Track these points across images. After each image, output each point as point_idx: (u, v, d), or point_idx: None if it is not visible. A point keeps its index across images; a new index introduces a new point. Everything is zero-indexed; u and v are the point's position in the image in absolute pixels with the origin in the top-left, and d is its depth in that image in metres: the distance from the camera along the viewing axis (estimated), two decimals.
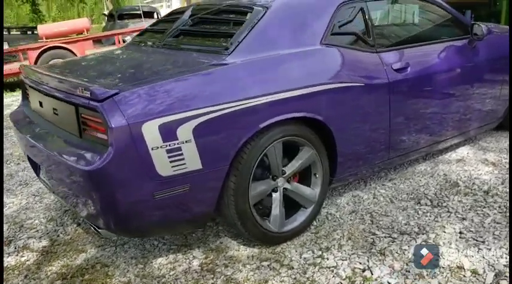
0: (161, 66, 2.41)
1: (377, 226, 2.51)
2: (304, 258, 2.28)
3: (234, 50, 2.30)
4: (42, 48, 8.14)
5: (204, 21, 2.72)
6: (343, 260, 2.24)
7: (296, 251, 2.34)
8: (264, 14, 2.44)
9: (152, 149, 1.90)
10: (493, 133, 3.82)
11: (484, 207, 2.63)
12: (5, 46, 10.49)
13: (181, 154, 1.97)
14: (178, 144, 1.96)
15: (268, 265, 2.25)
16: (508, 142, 3.62)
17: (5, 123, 4.92)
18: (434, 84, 2.92)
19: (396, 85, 2.69)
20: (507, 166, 3.17)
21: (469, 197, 2.76)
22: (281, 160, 2.33)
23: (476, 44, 3.18)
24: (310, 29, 2.50)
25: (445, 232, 2.41)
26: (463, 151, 3.51)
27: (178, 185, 2.02)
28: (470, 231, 2.39)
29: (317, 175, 2.49)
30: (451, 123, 3.19)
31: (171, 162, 1.96)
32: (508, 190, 2.82)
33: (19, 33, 11.79)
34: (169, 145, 1.94)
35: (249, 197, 2.22)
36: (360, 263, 2.21)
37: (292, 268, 2.21)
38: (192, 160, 2.01)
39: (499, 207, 2.61)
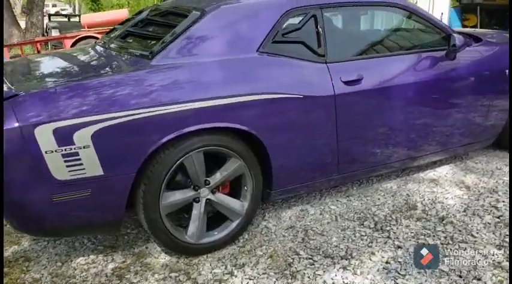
0: (88, 69, 2.41)
1: (305, 246, 2.39)
2: (214, 273, 2.21)
3: (157, 54, 2.25)
4: (76, 38, 8.49)
5: (149, 23, 2.69)
6: (250, 279, 2.15)
7: (210, 265, 2.28)
8: (198, 19, 2.36)
9: (46, 153, 1.91)
10: (489, 153, 3.53)
11: (429, 236, 2.42)
12: (57, 33, 11.08)
13: (79, 159, 1.97)
14: (75, 149, 1.95)
15: (175, 277, 2.20)
16: (496, 165, 3.32)
17: None
18: (396, 98, 2.72)
19: (344, 98, 2.53)
20: (482, 191, 2.91)
21: (419, 223, 2.56)
22: (203, 170, 2.26)
23: (458, 56, 2.90)
24: (247, 37, 2.39)
25: (371, 259, 2.25)
26: (443, 170, 3.25)
27: (78, 190, 2.02)
28: (398, 262, 2.21)
29: (246, 188, 2.40)
30: (424, 140, 2.96)
31: (67, 166, 1.96)
32: (465, 219, 2.58)
33: (67, 20, 12.38)
34: (65, 150, 1.93)
35: (159, 206, 2.18)
36: None
37: (196, 282, 2.15)
38: (91, 166, 1.99)
39: (445, 238, 2.40)
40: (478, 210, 2.67)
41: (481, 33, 3.80)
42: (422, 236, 2.42)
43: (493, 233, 2.41)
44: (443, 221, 2.56)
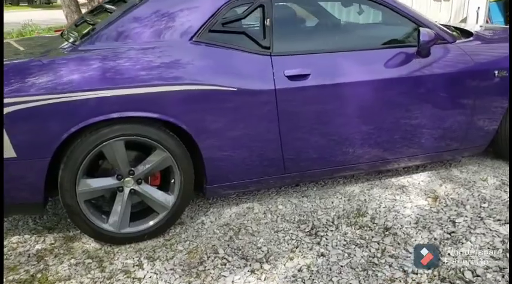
0: (25, 53, 2.46)
1: (228, 245, 2.31)
2: (124, 264, 2.20)
3: (85, 40, 2.25)
4: None
5: (101, 10, 2.70)
6: (155, 274, 2.12)
7: (126, 256, 2.27)
8: (135, 5, 2.34)
9: None
10: (484, 162, 3.24)
11: (360, 246, 2.24)
12: None
13: None
14: None
15: (88, 264, 2.22)
16: (483, 176, 3.02)
17: None
18: (351, 97, 2.53)
19: (287, 94, 2.39)
20: (449, 203, 2.65)
21: (359, 231, 2.38)
22: (125, 159, 2.25)
23: (434, 53, 2.65)
24: (182, 25, 2.34)
25: (285, 265, 2.13)
26: (420, 177, 3.00)
27: None
28: (311, 271, 2.07)
29: (174, 181, 2.35)
30: (394, 143, 2.75)
31: None
32: (411, 232, 2.36)
33: None
34: None
35: (76, 192, 2.19)
36: (165, 281, 2.05)
37: (104, 271, 2.15)
38: (4, 148, 2.04)
39: (376, 250, 2.21)
40: (431, 223, 2.43)
41: (486, 29, 3.45)
42: (353, 246, 2.25)
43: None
44: (386, 232, 2.36)
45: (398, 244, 2.25)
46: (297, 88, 2.40)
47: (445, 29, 2.87)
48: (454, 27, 3.35)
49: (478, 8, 5.57)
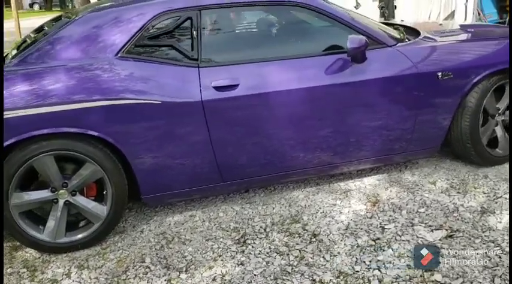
0: None
1: (156, 254, 2.39)
2: (54, 273, 2.31)
3: (14, 58, 2.37)
4: None
5: (41, 29, 2.80)
6: (78, 283, 2.21)
7: (59, 265, 2.38)
8: (64, 25, 2.43)
9: None
10: (441, 163, 3.20)
11: (281, 254, 2.28)
12: None
13: None
14: None
15: (22, 273, 2.34)
16: (434, 179, 2.98)
17: None
18: (283, 105, 2.55)
19: (215, 105, 2.44)
20: (386, 208, 2.64)
21: (287, 238, 2.42)
22: (56, 173, 2.35)
23: (371, 58, 2.64)
24: (108, 41, 2.41)
25: (202, 274, 2.19)
26: (369, 180, 3.00)
27: None
28: (224, 281, 2.13)
29: (106, 192, 2.45)
30: (338, 148, 2.77)
31: None
32: (337, 238, 2.38)
33: None
34: None
35: (9, 205, 2.31)
36: None
37: (33, 280, 2.27)
38: None
39: (295, 257, 2.24)
40: (360, 229, 2.43)
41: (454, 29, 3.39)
42: (275, 254, 2.28)
43: (351, 257, 2.20)
44: (312, 239, 2.38)
45: (320, 251, 2.27)
46: (225, 98, 2.44)
47: (386, 32, 2.84)
48: (407, 27, 3.30)
49: (467, 1, 5.42)
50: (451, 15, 5.59)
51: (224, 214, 2.73)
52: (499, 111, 3.01)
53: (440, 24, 4.27)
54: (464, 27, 3.39)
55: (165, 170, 2.51)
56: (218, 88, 2.43)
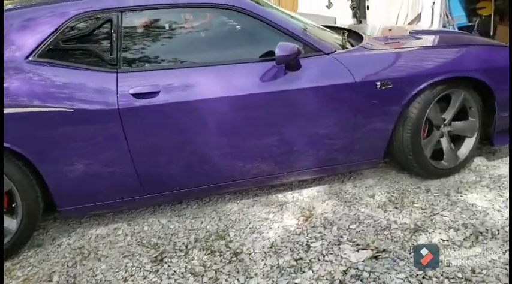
0: None
1: (67, 272, 2.25)
2: None
3: None
4: None
5: None
6: None
7: None
8: None
9: None
10: (387, 175, 3.08)
11: (196, 276, 2.15)
12: None
13: None
14: None
15: None
16: (373, 191, 2.88)
17: None
18: (210, 113, 2.41)
19: (132, 113, 2.30)
20: (319, 223, 2.52)
21: (207, 256, 2.29)
22: None
23: (307, 66, 2.50)
24: (17, 43, 2.25)
25: None
26: (308, 192, 2.88)
27: None
28: None
29: (16, 205, 2.30)
30: (274, 158, 2.64)
31: None
32: (258, 257, 2.25)
33: None
34: None
35: None
36: None
37: None
38: None
39: (209, 279, 2.10)
40: (285, 247, 2.31)
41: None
42: (189, 275, 2.15)
43: (267, 280, 2.06)
44: (233, 258, 2.25)
45: (237, 272, 2.14)
46: (143, 106, 2.29)
47: (324, 38, 2.71)
48: (353, 31, 3.18)
49: (433, 3, 5.30)
50: (418, 18, 5.47)
51: (149, 227, 2.58)
52: (445, 122, 2.89)
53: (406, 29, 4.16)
54: (415, 34, 3.26)
55: (82, 181, 2.36)
56: (137, 96, 2.28)
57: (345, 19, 7.12)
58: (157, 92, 2.31)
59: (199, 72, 2.41)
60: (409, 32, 3.24)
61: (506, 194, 2.69)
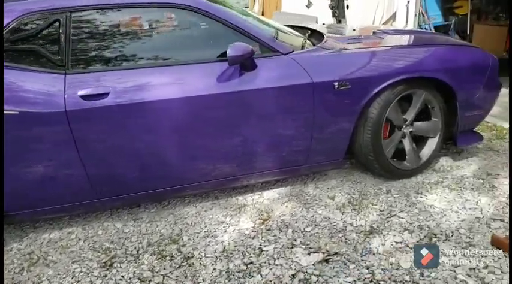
0: None
1: (12, 279, 2.20)
2: None
3: None
4: None
5: None
6: None
7: None
8: None
9: None
10: (350, 175, 3.06)
11: (143, 281, 2.10)
12: None
13: None
14: None
15: None
16: (334, 193, 2.83)
17: None
18: (163, 114, 2.37)
19: (81, 115, 2.25)
20: (275, 226, 2.48)
21: (157, 262, 2.24)
22: None
23: (262, 66, 2.47)
24: None
25: None
26: (269, 193, 2.85)
27: None
28: None
29: None
30: (227, 161, 2.60)
31: None
32: (208, 262, 2.20)
33: None
34: None
35: None
36: None
37: None
38: None
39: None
40: (238, 251, 2.28)
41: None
42: (136, 280, 2.11)
43: None
44: (183, 263, 2.21)
45: (185, 277, 2.10)
46: (92, 109, 2.24)
47: (282, 38, 2.67)
48: (316, 31, 3.15)
49: (408, 2, 5.28)
50: (393, 17, 5.46)
51: (104, 232, 2.53)
52: (406, 123, 2.86)
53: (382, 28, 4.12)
54: (379, 34, 3.23)
55: (32, 185, 2.31)
56: (85, 98, 2.23)
57: (325, 18, 7.11)
58: (107, 94, 2.26)
59: (152, 73, 2.36)
60: (373, 32, 3.21)
61: (466, 195, 2.67)
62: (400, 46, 2.99)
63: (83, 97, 2.24)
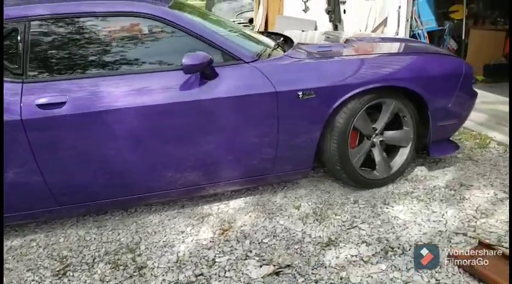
0: None
1: None
2: None
3: None
4: None
5: None
6: None
7: None
8: None
9: None
10: (319, 183, 3.03)
11: None
12: None
13: None
14: None
15: None
16: (299, 203, 2.80)
17: None
18: (119, 124, 2.36)
19: (37, 124, 2.26)
20: (234, 237, 2.45)
21: (110, 271, 2.24)
22: None
23: (224, 76, 2.45)
24: None
25: None
26: (235, 203, 2.83)
27: None
28: None
29: None
30: (191, 170, 2.58)
31: None
32: (159, 273, 2.19)
33: None
34: None
35: None
36: None
37: None
38: None
39: None
40: (191, 262, 2.26)
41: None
42: None
43: None
44: (135, 273, 2.20)
45: None
46: (49, 118, 2.25)
47: (246, 46, 2.65)
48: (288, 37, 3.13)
49: (399, 7, 5.21)
50: (384, 22, 5.40)
51: (65, 239, 2.54)
52: (376, 132, 2.82)
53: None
54: (352, 41, 3.19)
55: None
56: (42, 106, 2.24)
57: (322, 23, 7.08)
58: (64, 103, 2.27)
59: (110, 82, 2.36)
60: (346, 40, 3.17)
61: (434, 207, 2.62)
62: (370, 54, 2.94)
63: (39, 106, 2.25)
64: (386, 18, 5.18)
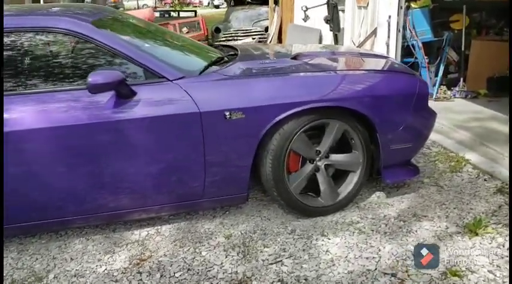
0: None
1: None
2: None
3: None
4: None
5: None
6: None
7: None
8: None
9: None
10: (257, 209, 2.83)
11: None
12: None
13: None
14: None
15: None
16: (231, 231, 2.60)
17: None
18: (27, 146, 2.25)
19: None
20: (148, 268, 2.29)
21: None
22: None
23: (141, 94, 2.31)
24: None
25: None
26: (166, 229, 2.67)
27: None
28: None
29: None
30: (111, 194, 2.45)
31: None
32: None
33: None
34: None
35: None
36: None
37: None
38: None
39: None
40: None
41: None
42: None
43: None
44: None
45: None
46: None
47: (173, 63, 2.49)
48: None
49: (389, 16, 4.94)
50: (374, 32, 5.13)
51: (14, 255, 2.44)
52: (320, 155, 2.59)
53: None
54: (303, 57, 2.96)
55: None
56: None
57: (323, 32, 6.88)
58: None
59: (21, 101, 2.25)
60: (297, 55, 2.95)
61: (373, 240, 2.38)
62: (314, 72, 2.71)
63: None
64: (375, 28, 4.91)
